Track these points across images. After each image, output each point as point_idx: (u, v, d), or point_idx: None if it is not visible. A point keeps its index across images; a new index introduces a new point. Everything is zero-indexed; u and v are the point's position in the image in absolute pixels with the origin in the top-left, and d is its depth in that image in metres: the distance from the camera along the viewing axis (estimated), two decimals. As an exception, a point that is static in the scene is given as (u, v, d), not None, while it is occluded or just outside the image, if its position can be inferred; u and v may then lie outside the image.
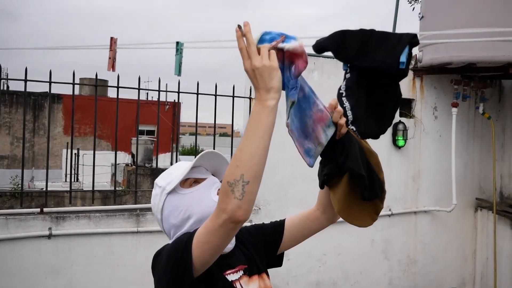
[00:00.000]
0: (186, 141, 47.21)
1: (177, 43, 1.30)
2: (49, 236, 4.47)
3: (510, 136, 6.47)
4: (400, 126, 6.00)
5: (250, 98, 5.42)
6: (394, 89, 1.88)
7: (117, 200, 9.45)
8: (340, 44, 1.78)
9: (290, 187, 5.44)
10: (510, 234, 6.21)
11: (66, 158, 15.73)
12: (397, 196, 6.07)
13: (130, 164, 15.38)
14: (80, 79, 22.01)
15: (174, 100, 22.89)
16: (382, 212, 2.04)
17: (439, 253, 6.47)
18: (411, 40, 1.74)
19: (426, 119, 6.30)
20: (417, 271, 6.32)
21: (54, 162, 23.71)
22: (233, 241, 1.98)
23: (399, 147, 6.04)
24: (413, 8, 10.75)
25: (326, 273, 5.70)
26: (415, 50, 6.10)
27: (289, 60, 1.73)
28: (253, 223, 5.12)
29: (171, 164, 7.72)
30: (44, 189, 4.99)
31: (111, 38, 1.43)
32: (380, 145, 5.48)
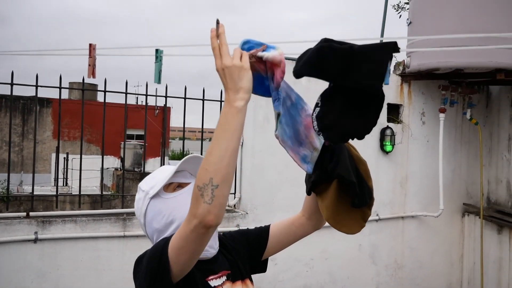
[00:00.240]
0: (176, 145, 47.06)
1: (156, 50, 1.29)
2: (35, 240, 4.44)
3: (498, 142, 6.51)
4: (388, 132, 6.01)
5: (238, 103, 5.42)
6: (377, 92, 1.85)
7: (107, 205, 9.46)
8: (318, 68, 1.69)
9: (277, 191, 5.44)
10: (496, 239, 6.24)
11: (58, 162, 15.65)
12: (385, 201, 6.08)
13: (119, 169, 15.34)
14: (70, 83, 21.91)
15: (164, 104, 22.86)
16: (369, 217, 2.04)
17: (427, 258, 6.49)
18: (394, 50, 1.69)
19: (414, 124, 6.33)
20: (404, 276, 6.34)
21: (43, 166, 23.63)
22: (216, 246, 1.98)
23: (387, 152, 6.06)
24: (400, 16, 10.77)
25: (313, 278, 5.69)
26: (403, 56, 6.14)
27: (271, 71, 1.72)
28: (240, 228, 5.10)
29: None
30: (30, 193, 4.95)
31: (90, 45, 1.42)
32: (368, 150, 5.49)
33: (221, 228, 5.25)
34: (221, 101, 5.41)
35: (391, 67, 6.22)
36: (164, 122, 16.89)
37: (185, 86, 5.29)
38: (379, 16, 7.10)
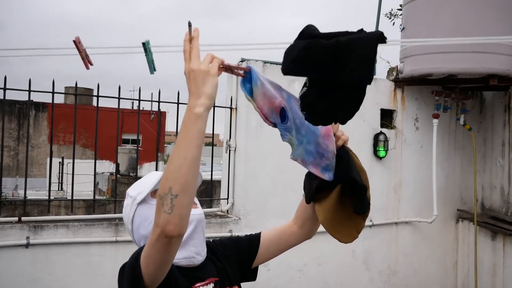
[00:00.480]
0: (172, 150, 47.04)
1: (143, 43, 1.28)
2: (27, 245, 4.42)
3: (492, 148, 6.51)
4: (381, 137, 6.02)
5: (231, 108, 5.43)
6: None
7: (102, 209, 9.43)
8: (306, 67, 1.63)
9: (270, 197, 5.43)
10: (491, 245, 6.24)
11: (51, 167, 15.61)
12: (378, 207, 6.08)
13: (114, 173, 15.32)
14: (66, 87, 21.87)
15: (158, 109, 22.84)
16: (362, 223, 2.06)
17: (420, 264, 6.49)
18: (380, 41, 1.60)
19: (407, 130, 6.33)
20: (398, 282, 6.33)
21: (39, 170, 23.62)
22: (203, 253, 1.97)
23: (380, 158, 6.06)
24: (393, 23, 10.75)
25: (306, 284, 5.68)
26: (396, 62, 6.15)
27: (270, 106, 1.77)
28: (232, 233, 5.06)
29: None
30: (27, 197, 4.94)
31: (74, 41, 1.41)
32: (361, 156, 5.48)
33: (214, 234, 5.25)
34: (214, 106, 5.40)
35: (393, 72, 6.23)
36: (159, 127, 16.88)
37: (178, 91, 5.29)
38: (372, 24, 7.13)
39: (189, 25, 1.56)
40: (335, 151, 1.90)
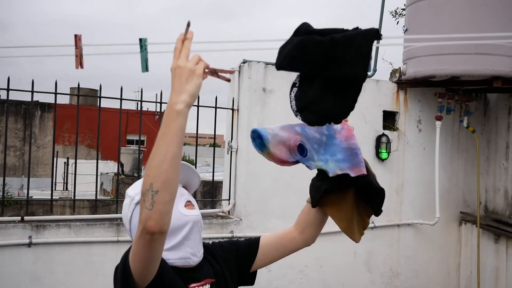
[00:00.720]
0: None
1: (140, 40, 1.30)
2: (29, 245, 4.45)
3: (495, 150, 6.50)
4: (384, 139, 6.01)
5: (232, 110, 5.44)
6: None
7: (106, 209, 9.44)
8: (300, 62, 1.63)
9: (271, 198, 5.43)
10: (494, 248, 6.22)
11: (55, 167, 15.68)
12: (380, 209, 6.05)
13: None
14: (71, 88, 21.95)
15: (160, 110, 22.92)
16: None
17: (422, 267, 6.47)
18: (375, 38, 1.59)
19: (410, 132, 6.32)
20: (399, 284, 6.31)
21: (45, 170, 23.69)
22: (200, 254, 1.97)
23: (382, 160, 6.05)
24: (397, 22, 10.75)
25: (307, 285, 5.68)
26: (399, 63, 6.14)
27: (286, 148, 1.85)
28: (233, 234, 5.06)
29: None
30: (31, 197, 4.97)
31: (75, 35, 1.43)
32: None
33: (215, 235, 5.26)
34: (215, 107, 5.41)
35: (396, 74, 6.22)
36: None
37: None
38: (374, 24, 7.11)
39: (188, 24, 1.59)
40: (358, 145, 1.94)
